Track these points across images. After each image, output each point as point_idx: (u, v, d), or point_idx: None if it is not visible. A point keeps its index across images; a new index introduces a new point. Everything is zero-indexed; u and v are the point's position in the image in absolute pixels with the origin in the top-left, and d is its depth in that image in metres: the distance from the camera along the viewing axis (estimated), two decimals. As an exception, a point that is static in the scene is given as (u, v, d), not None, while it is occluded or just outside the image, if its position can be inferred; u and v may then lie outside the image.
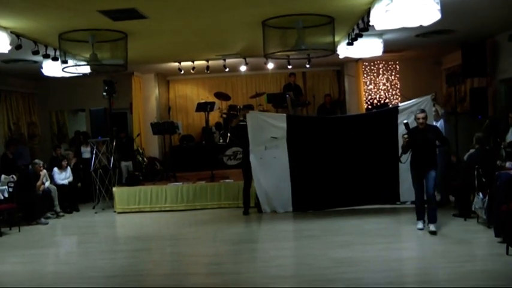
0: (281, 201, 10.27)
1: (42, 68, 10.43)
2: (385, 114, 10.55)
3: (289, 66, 13.14)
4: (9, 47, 7.83)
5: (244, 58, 12.49)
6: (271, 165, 10.24)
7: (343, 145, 10.18)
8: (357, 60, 14.04)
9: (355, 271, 6.31)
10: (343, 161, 10.17)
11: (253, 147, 10.23)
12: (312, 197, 10.21)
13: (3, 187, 10.45)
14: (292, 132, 10.22)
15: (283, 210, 10.23)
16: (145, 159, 13.42)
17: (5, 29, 7.65)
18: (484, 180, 8.06)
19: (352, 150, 10.14)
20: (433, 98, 9.63)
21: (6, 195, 10.33)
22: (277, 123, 10.26)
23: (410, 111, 9.64)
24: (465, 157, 8.94)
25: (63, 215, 11.30)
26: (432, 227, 7.79)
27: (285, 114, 10.93)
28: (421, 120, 7.99)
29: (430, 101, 9.57)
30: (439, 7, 6.55)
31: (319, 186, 10.19)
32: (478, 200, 8.04)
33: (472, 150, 8.80)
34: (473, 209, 8.32)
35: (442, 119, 9.74)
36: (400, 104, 10.51)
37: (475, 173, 8.22)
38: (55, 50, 9.04)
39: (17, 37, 8.05)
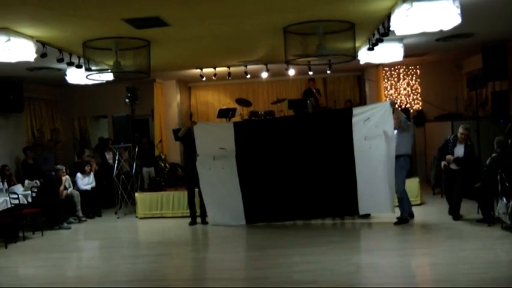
0: (232, 213, 9.89)
1: (66, 75, 10.59)
2: (337, 115, 10.17)
3: (310, 72, 13.16)
4: (35, 55, 7.97)
5: (266, 64, 12.54)
6: (220, 176, 9.88)
7: (295, 152, 9.67)
8: (378, 65, 14.00)
9: (378, 277, 6.30)
10: (295, 169, 9.64)
11: (201, 158, 9.91)
12: (264, 209, 9.76)
13: (27, 192, 10.64)
14: (241, 141, 9.85)
15: (235, 223, 9.84)
16: (167, 165, 13.51)
17: (31, 37, 7.79)
18: (507, 184, 7.99)
19: (304, 156, 9.61)
20: (393, 104, 9.17)
21: (29, 200, 10.50)
22: (225, 132, 9.93)
23: (366, 117, 9.25)
24: (487, 161, 8.86)
25: (85, 220, 11.43)
26: None
27: (232, 123, 10.51)
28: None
29: (389, 108, 9.07)
30: (459, 11, 6.54)
31: (271, 197, 9.69)
32: (502, 205, 7.95)
33: (494, 155, 8.72)
34: (497, 214, 8.24)
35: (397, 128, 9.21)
36: (354, 108, 9.86)
37: (499, 177, 8.16)
38: (79, 57, 9.19)
39: (43, 45, 8.20)
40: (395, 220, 9.15)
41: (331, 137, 9.53)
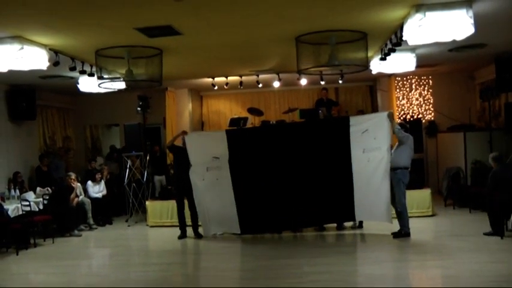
0: (227, 224, 9.75)
1: (78, 83, 10.67)
2: (334, 123, 10.03)
3: (322, 82, 13.15)
4: (48, 64, 8.04)
5: (278, 74, 12.55)
6: (214, 187, 9.66)
7: (290, 160, 9.45)
8: (390, 75, 13.96)
9: (388, 288, 6.25)
10: (291, 178, 9.44)
11: (194, 169, 9.69)
12: (260, 219, 9.58)
13: (39, 199, 10.71)
14: (235, 149, 9.60)
15: (230, 232, 9.85)
16: (178, 173, 13.51)
17: (44, 46, 7.87)
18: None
19: (300, 165, 9.42)
20: (391, 116, 8.95)
21: (41, 207, 10.59)
22: (218, 141, 9.71)
23: (364, 128, 9.08)
24: (489, 175, 8.67)
25: (96, 228, 11.48)
26: None
27: (224, 131, 10.15)
28: None
29: (386, 118, 8.91)
30: (472, 21, 6.52)
31: (267, 206, 9.48)
32: (514, 219, 7.76)
33: (494, 169, 8.59)
34: (509, 227, 8.16)
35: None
36: (351, 117, 9.71)
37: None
38: (91, 66, 9.26)
39: (55, 54, 8.27)
40: (393, 231, 8.96)
41: (328, 145, 9.38)
